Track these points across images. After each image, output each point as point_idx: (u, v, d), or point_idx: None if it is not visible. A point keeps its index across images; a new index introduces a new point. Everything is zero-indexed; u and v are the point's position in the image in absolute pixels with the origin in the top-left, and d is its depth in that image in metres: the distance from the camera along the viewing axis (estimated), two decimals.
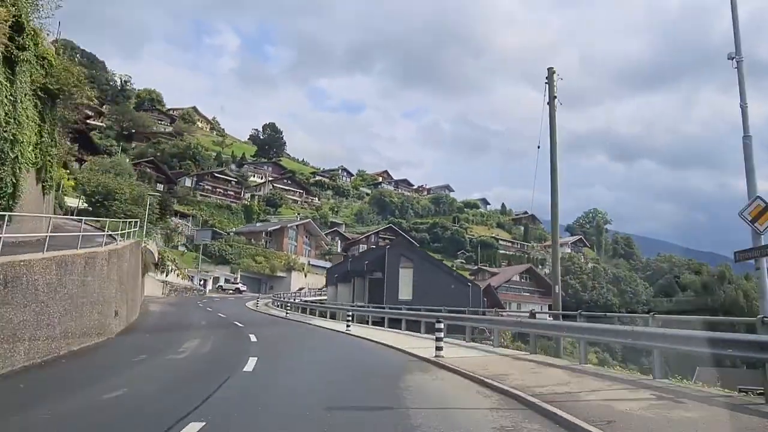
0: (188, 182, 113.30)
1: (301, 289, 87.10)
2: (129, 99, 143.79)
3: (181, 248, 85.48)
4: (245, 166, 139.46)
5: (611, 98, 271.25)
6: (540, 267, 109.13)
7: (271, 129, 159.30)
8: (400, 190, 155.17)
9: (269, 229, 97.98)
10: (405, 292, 37.96)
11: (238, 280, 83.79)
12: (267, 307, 45.02)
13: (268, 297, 62.13)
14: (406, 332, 22.92)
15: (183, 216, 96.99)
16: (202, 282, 72.43)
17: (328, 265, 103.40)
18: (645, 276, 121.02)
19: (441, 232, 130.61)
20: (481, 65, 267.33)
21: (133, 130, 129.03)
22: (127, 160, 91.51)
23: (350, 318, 24.29)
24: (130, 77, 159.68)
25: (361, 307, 33.01)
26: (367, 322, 28.89)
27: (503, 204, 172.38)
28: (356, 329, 23.61)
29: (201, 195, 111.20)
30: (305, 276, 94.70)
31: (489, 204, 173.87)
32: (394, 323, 25.75)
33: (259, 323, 28.62)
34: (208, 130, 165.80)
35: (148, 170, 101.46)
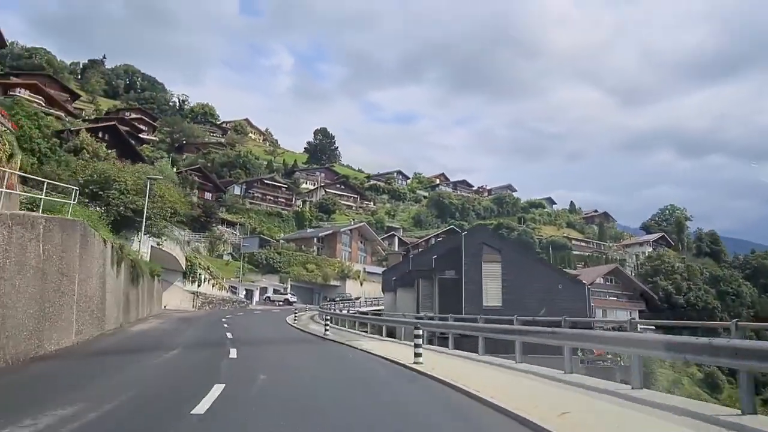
0: (237, 190, 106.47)
1: (357, 298, 77.53)
2: (186, 117, 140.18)
3: (227, 257, 77.67)
4: (297, 173, 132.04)
5: (675, 92, 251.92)
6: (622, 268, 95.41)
7: (323, 134, 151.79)
8: (459, 192, 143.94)
9: (321, 234, 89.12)
10: (492, 295, 27.17)
11: (288, 290, 75.10)
12: (310, 321, 35.35)
13: (316, 308, 52.71)
14: (527, 367, 12.38)
15: (230, 224, 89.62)
16: (245, 293, 63.93)
17: (382, 270, 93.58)
18: (744, 275, 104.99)
19: (507, 234, 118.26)
20: (535, 67, 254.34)
21: (184, 141, 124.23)
22: (173, 168, 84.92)
23: (419, 337, 13.83)
24: (187, 96, 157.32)
25: (431, 318, 22.43)
26: (444, 342, 18.54)
27: (572, 202, 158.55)
28: (434, 360, 13.32)
29: (250, 203, 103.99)
30: (361, 284, 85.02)
31: (555, 203, 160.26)
32: (496, 346, 14.99)
33: (272, 347, 18.93)
34: (260, 141, 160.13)
35: (195, 178, 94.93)
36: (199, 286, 46.84)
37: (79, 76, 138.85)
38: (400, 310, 35.26)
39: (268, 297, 71.45)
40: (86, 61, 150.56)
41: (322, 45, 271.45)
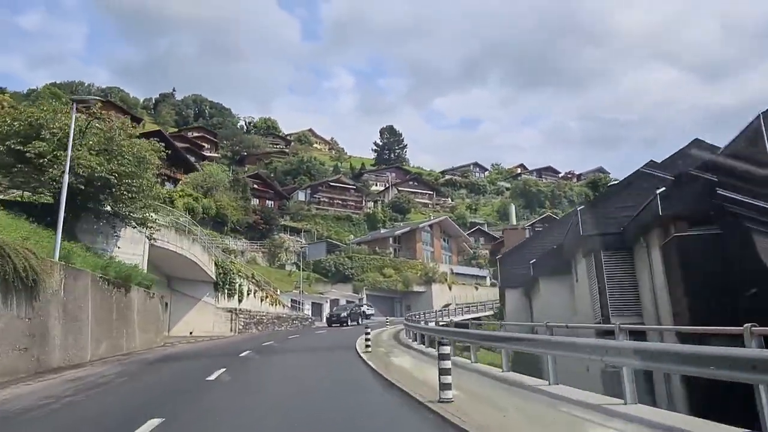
0: (301, 196, 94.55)
1: (447, 305, 62.61)
2: (249, 133, 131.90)
3: (290, 267, 64.98)
4: (365, 175, 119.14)
5: (763, 59, 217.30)
6: None
7: (390, 132, 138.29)
8: (543, 179, 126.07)
9: (397, 233, 74.99)
10: None
11: (364, 301, 61.29)
12: (396, 346, 21.08)
13: (397, 321, 38.48)
14: None
15: (294, 231, 77.34)
16: (310, 307, 50.36)
17: (477, 271, 77.98)
18: None
19: None
20: (603, 53, 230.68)
21: (245, 153, 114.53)
22: (226, 174, 73.74)
23: None
24: (253, 118, 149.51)
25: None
26: None
27: None
28: None
29: (316, 208, 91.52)
30: (449, 288, 69.95)
31: None
32: None
33: None
34: (325, 150, 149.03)
35: (255, 186, 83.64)
36: (240, 300, 33.68)
37: (152, 111, 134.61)
38: (542, 314, 20.35)
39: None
40: (158, 96, 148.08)
41: (381, 60, 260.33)
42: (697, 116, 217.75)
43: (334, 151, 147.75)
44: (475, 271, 77.50)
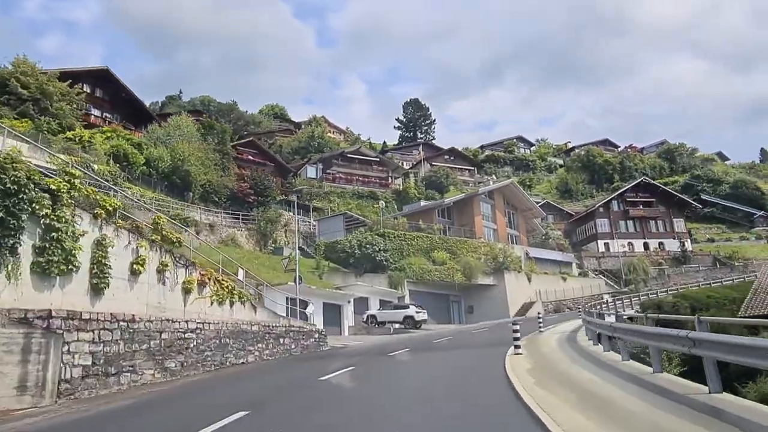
0: (311, 172, 72.02)
1: (536, 312, 39.92)
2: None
3: (290, 252, 42.21)
4: (388, 154, 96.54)
5: None
6: None
7: (414, 106, 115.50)
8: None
9: (447, 201, 51.89)
10: None
11: (407, 299, 38.36)
12: None
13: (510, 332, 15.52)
14: None
15: (302, 209, 54.86)
16: (312, 309, 26.86)
17: (559, 256, 54.54)
18: None
19: (712, 191, 75.74)
20: (626, 46, 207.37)
21: (245, 132, 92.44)
22: (192, 122, 51.06)
23: None
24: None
25: None
26: None
27: (763, 149, 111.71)
28: None
29: (331, 186, 68.94)
30: (528, 279, 46.63)
31: (728, 159, 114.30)
32: None
33: None
34: (341, 138, 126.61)
35: (249, 158, 61.53)
36: (101, 292, 11.09)
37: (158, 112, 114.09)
38: None
39: (371, 316, 34.94)
40: (164, 99, 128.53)
41: (398, 66, 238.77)
42: (732, 107, 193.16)
43: (349, 140, 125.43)
44: (556, 255, 54.01)
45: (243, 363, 16.53)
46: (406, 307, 35.31)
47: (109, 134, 36.81)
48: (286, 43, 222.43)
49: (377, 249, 39.89)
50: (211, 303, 15.87)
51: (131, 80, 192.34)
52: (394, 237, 42.71)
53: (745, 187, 74.70)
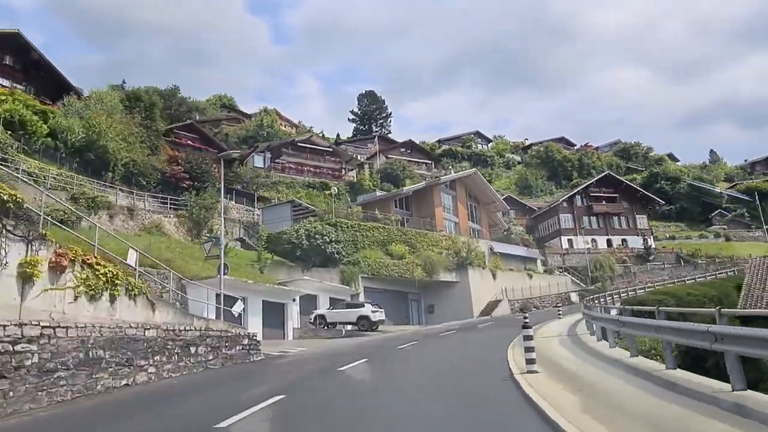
0: (258, 161, 66.35)
1: (501, 312, 36.36)
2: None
3: (234, 245, 36.78)
4: (342, 146, 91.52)
5: (729, 61, 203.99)
6: None
7: (370, 99, 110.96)
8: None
9: (406, 190, 47.46)
10: None
11: (361, 297, 33.65)
12: None
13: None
14: None
15: (244, 196, 49.45)
16: (241, 307, 21.63)
17: (523, 251, 51.13)
18: None
19: (671, 188, 74.55)
20: (576, 53, 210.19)
21: (187, 119, 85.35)
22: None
23: None
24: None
25: None
26: None
27: (712, 151, 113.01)
28: None
29: (279, 176, 63.57)
30: (493, 275, 42.79)
31: (678, 160, 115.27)
32: None
33: None
34: (293, 132, 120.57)
35: (189, 143, 55.37)
36: None
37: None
38: None
39: (320, 317, 29.97)
40: (105, 88, 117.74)
41: (353, 65, 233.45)
42: (670, 115, 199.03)
43: (301, 133, 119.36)
44: (521, 250, 50.43)
45: (127, 385, 11.38)
46: (361, 305, 30.54)
47: (3, 97, 30.29)
48: (238, 37, 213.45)
49: (328, 240, 34.92)
50: (76, 297, 10.64)
51: (71, 68, 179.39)
52: (348, 227, 37.86)
53: (702, 185, 73.87)
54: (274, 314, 27.78)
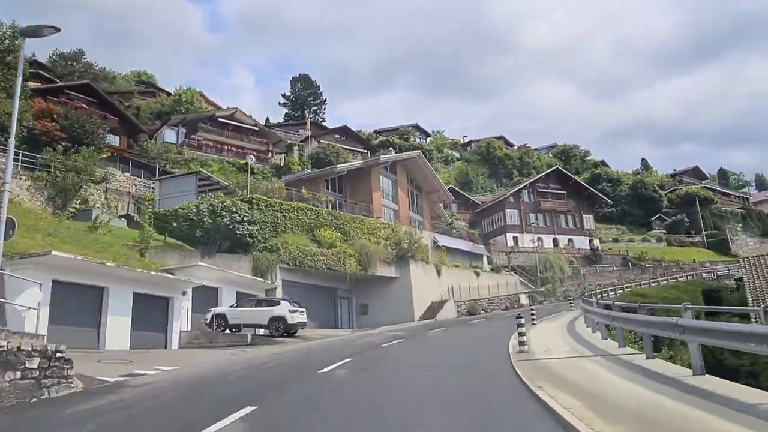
0: (171, 136, 57.43)
1: (446, 316, 29.71)
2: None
3: (118, 222, 28.31)
4: (271, 130, 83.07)
5: (651, 82, 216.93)
6: None
7: (304, 83, 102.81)
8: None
9: (340, 168, 40.18)
10: None
11: (279, 293, 26.31)
12: None
13: None
14: None
15: (141, 167, 40.66)
16: (26, 303, 13.89)
17: (470, 246, 45.53)
18: None
19: (612, 190, 71.91)
20: (511, 65, 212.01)
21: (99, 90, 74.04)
22: None
23: None
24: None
25: None
26: None
27: (643, 159, 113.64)
28: None
29: (194, 153, 54.80)
30: (438, 273, 36.62)
31: (609, 166, 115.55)
32: None
33: None
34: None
35: (84, 106, 45.29)
36: None
37: None
38: None
39: (220, 316, 22.34)
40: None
41: (289, 60, 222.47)
42: (595, 129, 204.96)
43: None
44: (467, 245, 44.70)
45: None
46: (276, 303, 23.16)
47: None
48: (169, 21, 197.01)
49: (239, 219, 27.29)
50: None
51: None
52: (267, 206, 30.31)
53: (643, 189, 71.83)
54: (152, 312, 19.97)
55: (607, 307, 14.21)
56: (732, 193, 79.63)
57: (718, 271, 51.47)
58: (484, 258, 46.41)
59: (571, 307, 30.29)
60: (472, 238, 47.95)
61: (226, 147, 58.66)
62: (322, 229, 31.57)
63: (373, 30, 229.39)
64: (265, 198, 30.65)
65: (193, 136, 57.51)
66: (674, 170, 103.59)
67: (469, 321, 27.77)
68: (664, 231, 66.85)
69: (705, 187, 74.88)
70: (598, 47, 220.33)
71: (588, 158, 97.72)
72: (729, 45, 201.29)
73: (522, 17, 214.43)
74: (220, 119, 60.82)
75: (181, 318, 21.36)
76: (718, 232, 63.21)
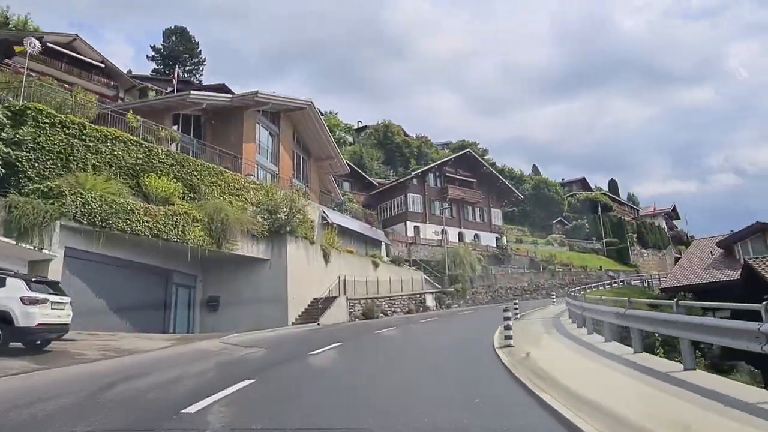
0: None
1: (335, 320, 19.13)
2: None
3: None
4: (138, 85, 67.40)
5: (529, 106, 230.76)
6: None
7: (180, 37, 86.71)
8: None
9: (198, 100, 28.30)
10: None
11: (52, 269, 14.62)
12: None
13: None
14: None
15: None
16: None
17: (368, 230, 35.89)
18: None
19: (514, 188, 66.50)
20: (402, 70, 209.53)
21: None
22: None
23: None
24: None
25: None
26: None
27: (535, 166, 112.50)
28: None
29: (14, 74, 38.97)
30: (326, 258, 26.34)
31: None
32: None
33: None
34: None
35: None
36: None
37: None
38: None
39: None
40: None
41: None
42: (482, 141, 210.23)
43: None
44: (363, 227, 35.12)
45: None
46: (19, 287, 11.56)
47: None
48: None
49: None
50: None
51: None
52: (54, 125, 18.19)
53: (546, 189, 67.45)
54: None
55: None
56: (626, 202, 78.48)
57: (620, 280, 48.33)
58: (383, 246, 37.21)
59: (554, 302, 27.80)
60: (370, 221, 38.57)
61: (61, 85, 43.71)
62: (154, 175, 20.03)
63: (266, 13, 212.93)
64: (53, 112, 18.44)
65: (7, 60, 42.08)
66: (563, 179, 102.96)
67: (374, 330, 18.16)
68: (563, 235, 62.64)
69: (604, 193, 72.48)
70: (486, 66, 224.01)
71: (486, 157, 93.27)
72: (598, 80, 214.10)
73: (416, 25, 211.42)
74: (54, 47, 45.60)
75: None
76: (618, 240, 60.05)
